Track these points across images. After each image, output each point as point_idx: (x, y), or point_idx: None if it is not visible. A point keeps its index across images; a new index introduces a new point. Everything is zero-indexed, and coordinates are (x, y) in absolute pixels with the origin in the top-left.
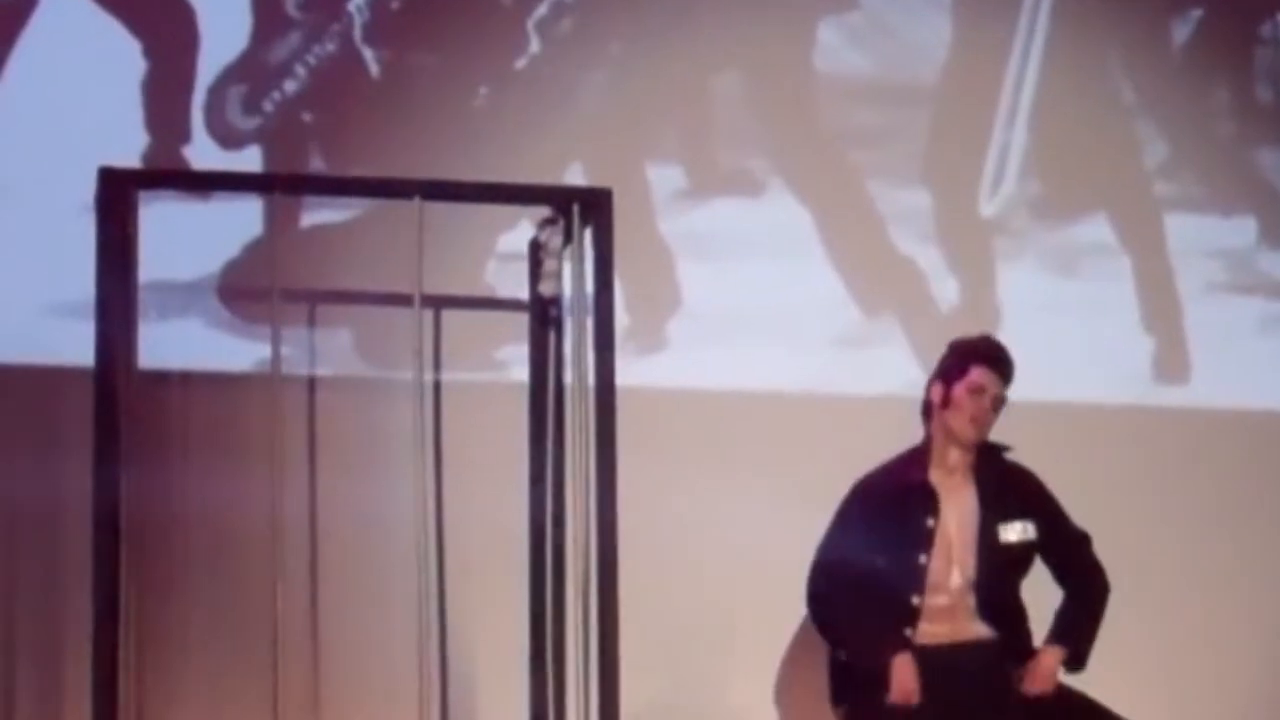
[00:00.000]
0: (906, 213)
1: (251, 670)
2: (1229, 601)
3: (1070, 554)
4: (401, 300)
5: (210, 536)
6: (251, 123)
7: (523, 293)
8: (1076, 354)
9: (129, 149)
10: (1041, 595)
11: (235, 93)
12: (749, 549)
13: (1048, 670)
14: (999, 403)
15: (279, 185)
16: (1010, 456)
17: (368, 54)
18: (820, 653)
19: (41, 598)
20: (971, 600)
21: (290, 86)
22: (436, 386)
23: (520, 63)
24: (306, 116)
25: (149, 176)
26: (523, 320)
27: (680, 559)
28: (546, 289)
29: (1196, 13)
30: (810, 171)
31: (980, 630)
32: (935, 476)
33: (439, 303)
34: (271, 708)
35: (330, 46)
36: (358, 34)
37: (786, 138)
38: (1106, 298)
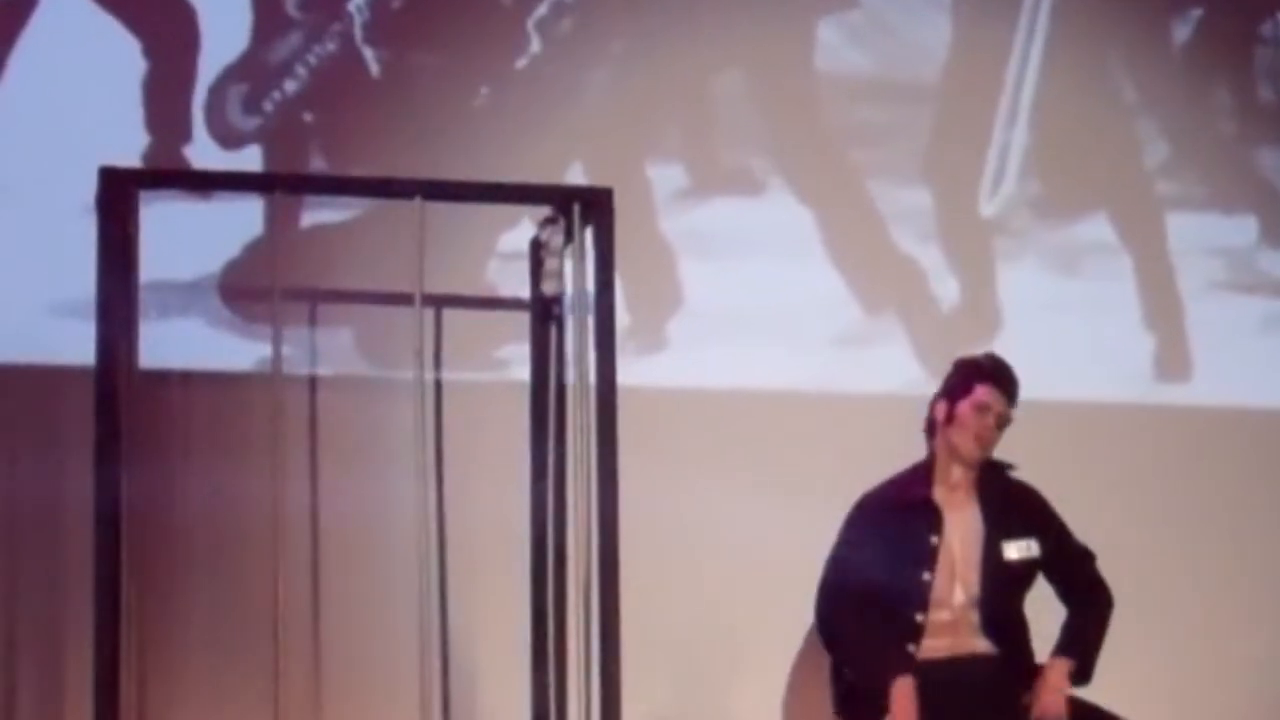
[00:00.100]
0: (907, 212)
1: (253, 669)
2: (1230, 600)
3: (1074, 571)
4: (402, 300)
5: (211, 536)
6: (252, 122)
7: (524, 292)
8: (1078, 353)
9: (129, 149)
10: (1043, 612)
11: (236, 92)
12: (750, 547)
13: (1056, 683)
14: (1003, 421)
15: (280, 185)
16: (1012, 457)
17: (368, 54)
18: (824, 656)
19: (43, 597)
20: (974, 617)
21: (291, 86)
22: (438, 386)
23: (521, 62)
24: (307, 116)
25: (150, 176)
26: (524, 319)
27: (681, 557)
28: (547, 288)
29: (1197, 12)
30: (811, 171)
31: (982, 645)
32: (939, 494)
33: (440, 302)
34: (273, 705)
35: (331, 46)
36: (358, 34)
37: (787, 137)
38: (1107, 297)
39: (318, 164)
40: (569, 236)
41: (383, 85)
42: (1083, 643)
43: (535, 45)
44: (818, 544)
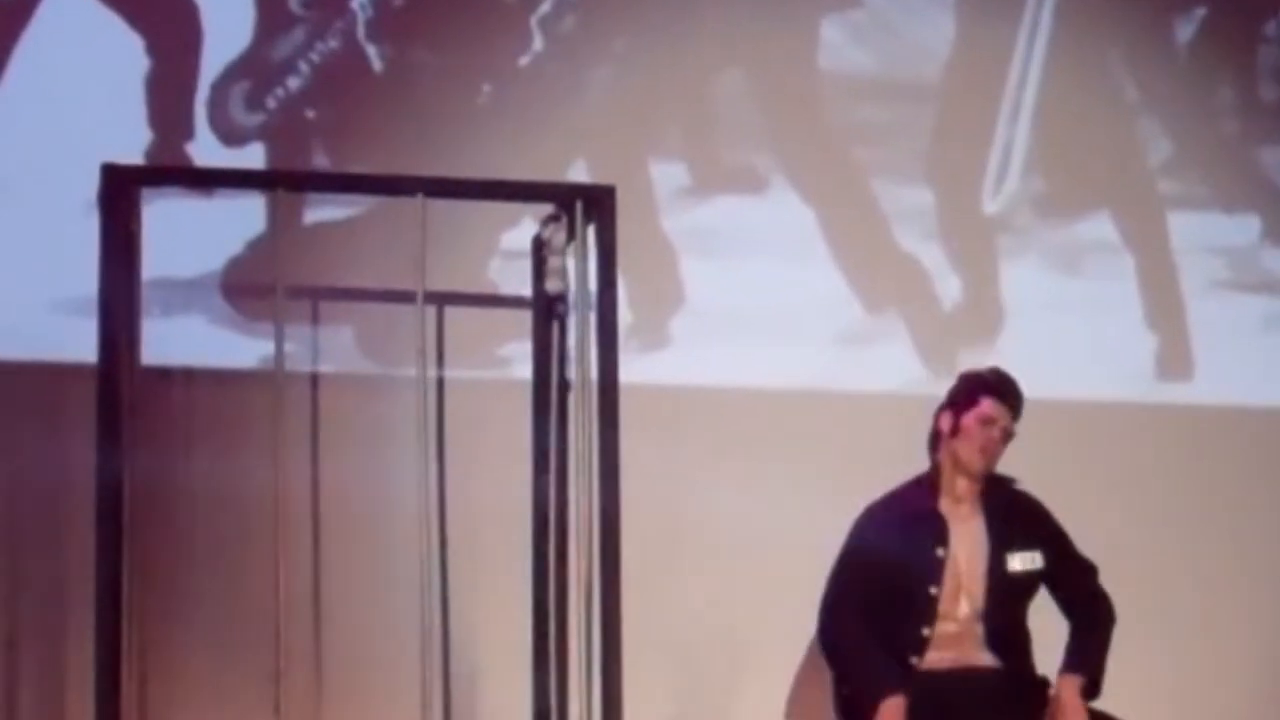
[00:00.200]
0: (910, 210)
1: (254, 666)
2: (1231, 598)
3: (1077, 584)
4: (404, 297)
5: (213, 534)
6: (255, 119)
7: (526, 290)
8: (1080, 351)
9: (132, 146)
10: (1047, 625)
11: (238, 89)
12: (751, 545)
13: (1073, 702)
14: (1007, 435)
15: (282, 182)
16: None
17: (371, 51)
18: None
19: (45, 594)
20: (979, 629)
21: (293, 83)
22: (440, 383)
23: (524, 60)
24: (310, 113)
25: (152, 173)
26: (526, 317)
27: (683, 555)
28: (550, 286)
29: (1200, 11)
30: (813, 169)
31: (985, 658)
32: (944, 505)
33: (442, 300)
34: (274, 702)
35: (333, 43)
36: (361, 31)
37: (790, 135)
38: (1110, 295)
39: (320, 161)
40: (571, 234)
41: (385, 82)
42: (1090, 658)
43: (538, 43)
44: (819, 542)
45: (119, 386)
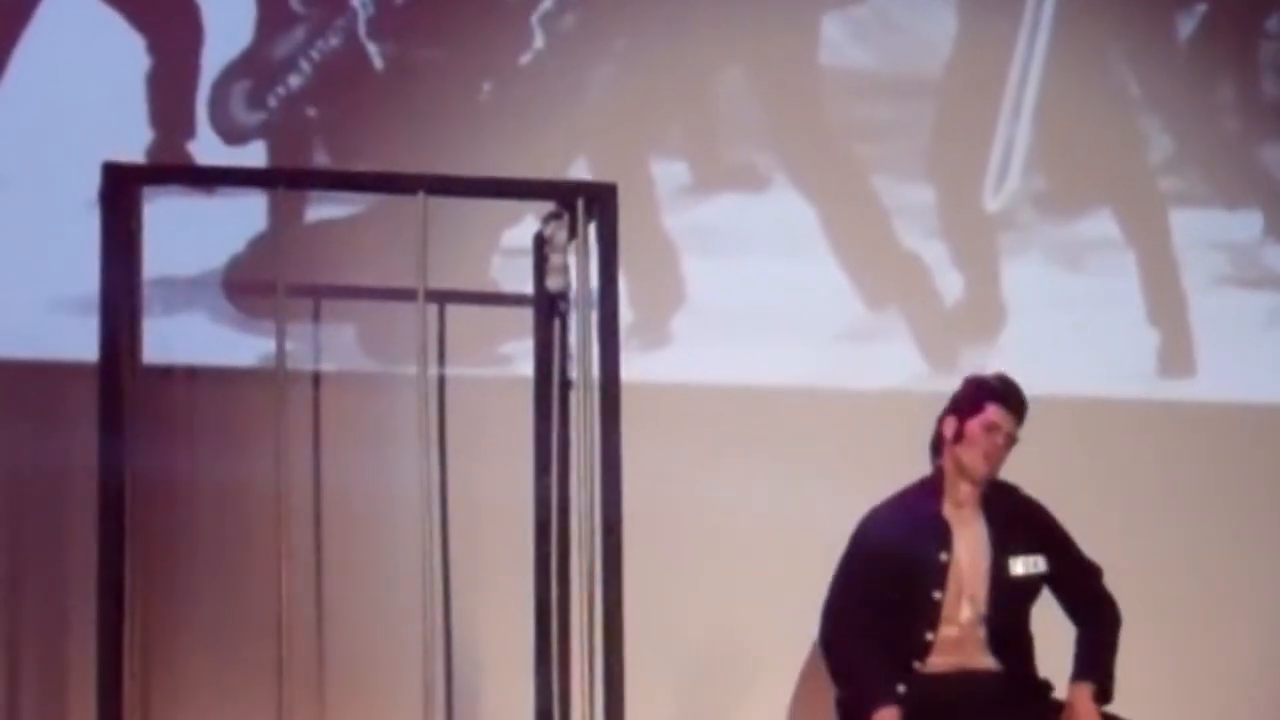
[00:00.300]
0: (911, 207)
1: (257, 664)
2: (1234, 596)
3: (1082, 587)
4: (406, 295)
5: (215, 532)
6: (256, 118)
7: (527, 288)
8: (1081, 348)
9: (133, 144)
10: (1050, 627)
11: (239, 88)
12: (754, 543)
13: (1087, 710)
14: (1011, 441)
15: (283, 180)
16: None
17: (372, 49)
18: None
19: (47, 592)
20: (981, 633)
21: (294, 81)
22: (441, 381)
23: (525, 58)
24: (311, 111)
25: (153, 172)
26: (527, 315)
27: (685, 553)
28: (551, 284)
29: (1201, 7)
30: (815, 166)
31: (987, 661)
32: (947, 510)
33: (443, 298)
34: (276, 699)
35: (334, 41)
36: (362, 29)
37: (791, 133)
38: (1111, 292)
39: (321, 159)
40: (573, 232)
41: (386, 80)
42: (1100, 664)
43: (539, 41)
44: (821, 539)
45: (120, 385)
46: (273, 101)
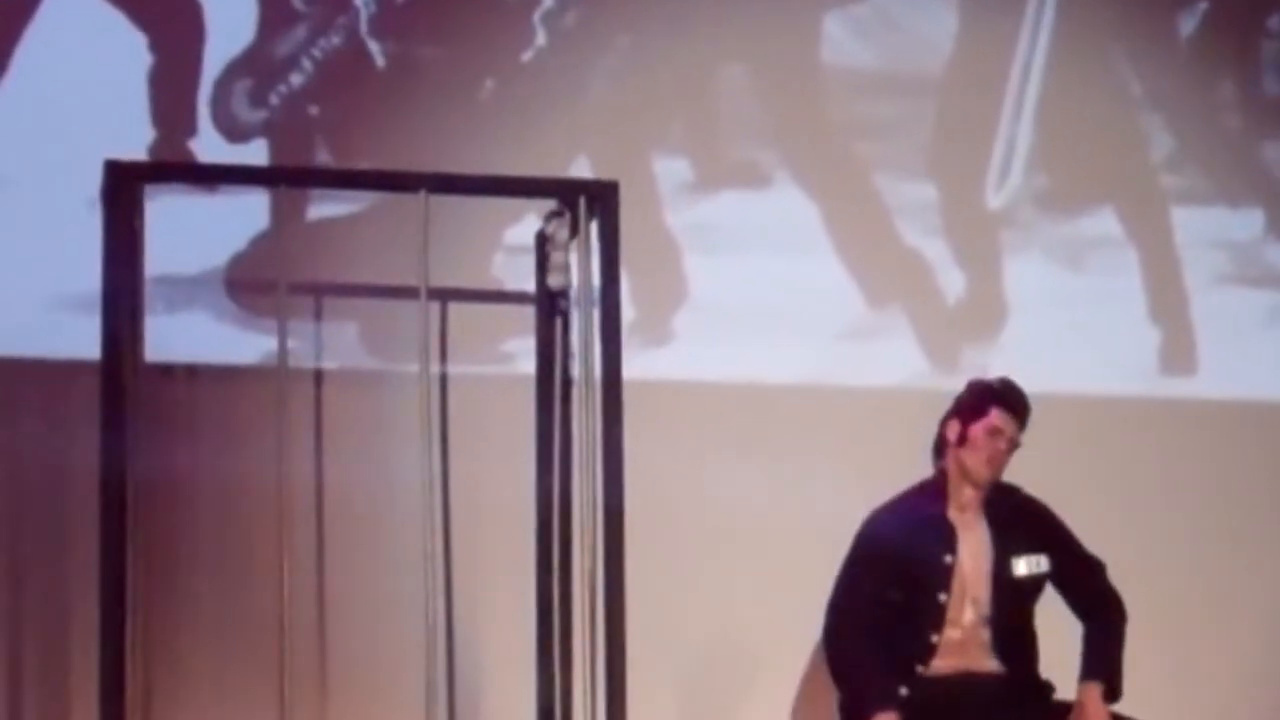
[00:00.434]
0: (913, 205)
1: (258, 661)
2: (1235, 593)
3: (1086, 583)
4: (408, 293)
5: (217, 531)
6: (257, 116)
7: (529, 285)
8: (1083, 346)
9: (135, 143)
10: (1052, 626)
11: (241, 86)
12: (756, 541)
13: (1097, 711)
14: (1014, 445)
15: (285, 179)
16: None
17: (373, 47)
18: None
19: (49, 590)
20: (984, 635)
21: (296, 80)
22: (443, 379)
23: (526, 55)
24: (312, 109)
25: (155, 170)
26: (529, 313)
27: (687, 550)
28: (553, 282)
29: (1202, 5)
30: (816, 164)
31: (990, 664)
32: (950, 512)
33: (445, 295)
34: (278, 697)
35: (336, 39)
36: (363, 27)
37: (793, 130)
38: (1113, 290)
39: (323, 158)
40: (574, 230)
41: (388, 78)
42: (1108, 663)
43: (541, 38)
44: (824, 537)
45: (122, 383)
46: (274, 99)
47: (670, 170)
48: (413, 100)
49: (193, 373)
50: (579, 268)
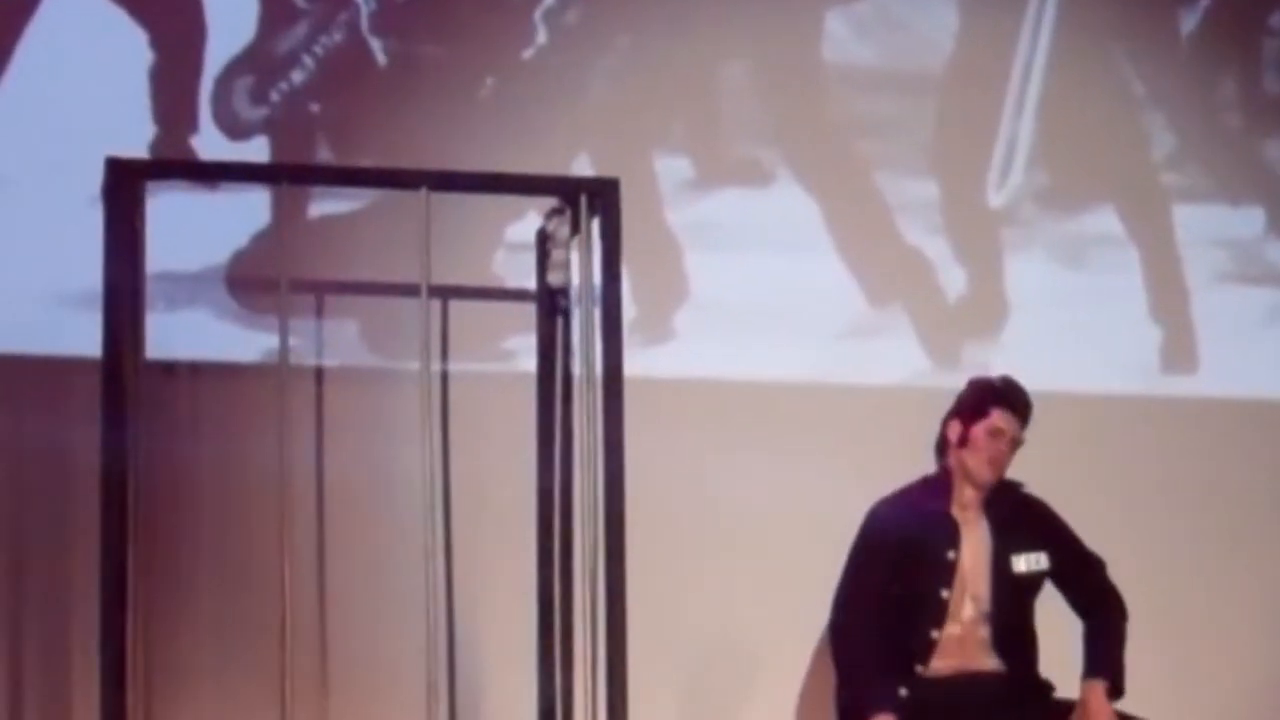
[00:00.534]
0: (914, 203)
1: (259, 661)
2: (1236, 592)
3: (1086, 580)
4: (409, 291)
5: (218, 528)
6: (259, 113)
7: (530, 283)
8: (1084, 344)
9: (136, 140)
10: (1052, 624)
11: (242, 83)
12: (757, 539)
13: (1101, 709)
14: (1016, 444)
15: (286, 176)
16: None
17: (375, 44)
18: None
19: (50, 587)
20: (983, 632)
21: (297, 77)
22: (444, 377)
23: (527, 53)
24: (314, 107)
25: (156, 167)
26: (530, 311)
27: (688, 549)
28: (554, 279)
29: (1203, 3)
30: (817, 162)
31: (989, 662)
32: (954, 510)
33: (446, 293)
34: (279, 697)
35: (337, 37)
36: (364, 24)
37: (794, 128)
38: (1114, 288)
39: (324, 155)
40: (575, 228)
41: (389, 76)
42: (1110, 660)
43: (542, 36)
44: (825, 535)
45: (123, 381)
46: (275, 97)
47: (671, 168)
48: (414, 98)
49: (194, 370)
50: (580, 265)
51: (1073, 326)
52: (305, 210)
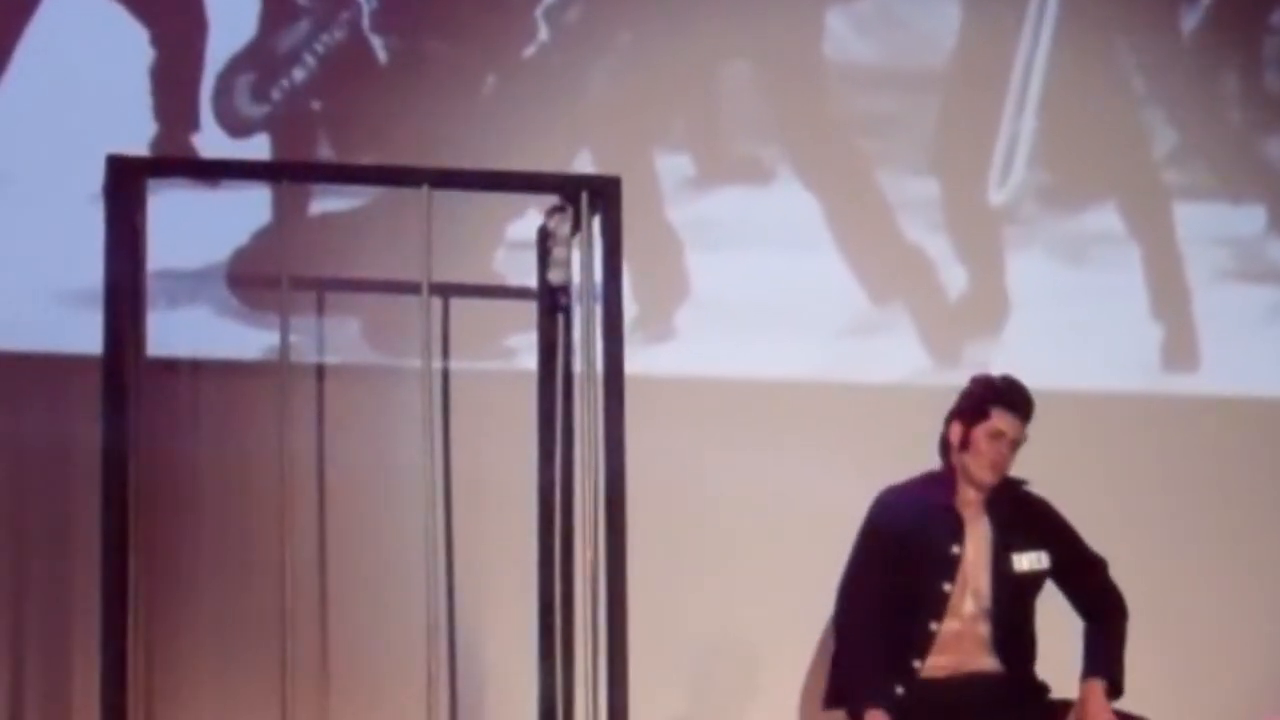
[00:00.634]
0: (915, 201)
1: (260, 659)
2: (1237, 590)
3: (1087, 580)
4: (410, 288)
5: (219, 525)
6: (260, 111)
7: (531, 281)
8: (1085, 342)
9: (137, 137)
10: (1051, 624)
11: (244, 81)
12: (757, 537)
13: (1099, 709)
14: (1017, 444)
15: (287, 173)
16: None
17: (376, 42)
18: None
19: (50, 585)
20: (983, 629)
21: (299, 74)
22: (445, 374)
23: (529, 51)
24: (315, 104)
25: (157, 165)
26: (531, 308)
27: (689, 546)
28: (555, 277)
29: (1205, 0)
30: (818, 160)
31: (987, 662)
32: (958, 504)
33: (447, 291)
34: (280, 695)
35: (338, 34)
36: (366, 22)
37: (795, 126)
38: (1115, 286)
39: (325, 152)
40: (576, 225)
41: (390, 74)
42: (1110, 660)
43: (543, 34)
44: (825, 532)
45: (124, 378)
46: (277, 94)
47: (672, 166)
48: (415, 95)
49: (195, 367)
50: (581, 263)
51: (1074, 324)
52: (306, 208)
